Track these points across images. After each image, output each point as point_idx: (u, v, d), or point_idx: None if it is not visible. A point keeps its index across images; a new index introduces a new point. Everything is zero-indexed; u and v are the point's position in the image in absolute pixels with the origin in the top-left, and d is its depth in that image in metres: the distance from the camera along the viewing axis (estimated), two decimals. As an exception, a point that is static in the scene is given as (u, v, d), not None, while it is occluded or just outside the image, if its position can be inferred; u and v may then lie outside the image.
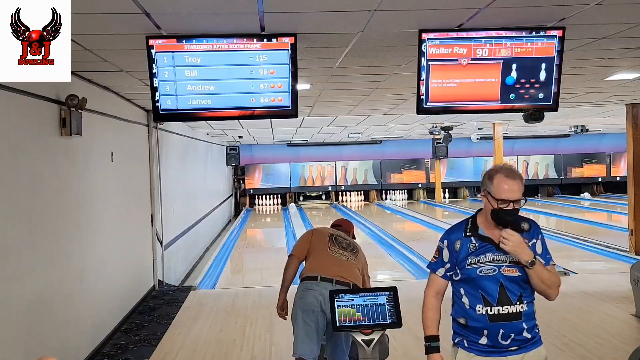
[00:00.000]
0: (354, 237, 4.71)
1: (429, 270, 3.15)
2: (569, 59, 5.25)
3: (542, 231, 3.07)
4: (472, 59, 4.39)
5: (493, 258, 2.89)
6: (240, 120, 8.94)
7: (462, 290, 2.97)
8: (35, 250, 4.52)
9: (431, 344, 3.00)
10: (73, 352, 5.30)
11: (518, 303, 2.87)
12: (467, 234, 2.97)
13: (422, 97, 4.51)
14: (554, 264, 2.98)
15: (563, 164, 25.67)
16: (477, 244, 2.92)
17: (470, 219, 3.03)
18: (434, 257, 3.11)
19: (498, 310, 2.85)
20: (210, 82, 4.36)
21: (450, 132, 16.18)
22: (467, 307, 2.92)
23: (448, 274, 3.03)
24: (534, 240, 2.96)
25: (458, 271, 2.97)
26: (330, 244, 4.33)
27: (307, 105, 8.74)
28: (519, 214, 2.96)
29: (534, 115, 4.88)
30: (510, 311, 2.85)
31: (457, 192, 26.44)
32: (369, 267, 4.63)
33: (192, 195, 12.81)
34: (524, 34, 4.35)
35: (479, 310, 2.88)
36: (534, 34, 4.34)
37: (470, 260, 2.92)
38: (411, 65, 5.37)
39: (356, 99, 8.59)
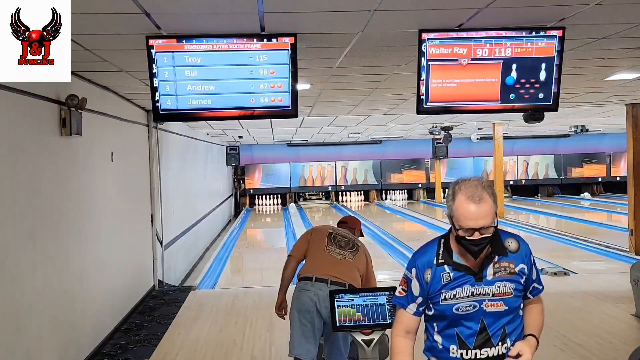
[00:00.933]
0: (361, 235, 4.66)
1: (395, 306, 2.62)
2: (569, 59, 5.25)
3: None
4: (472, 59, 4.39)
5: (472, 292, 2.40)
6: (240, 120, 8.95)
7: (435, 327, 2.50)
8: (35, 250, 4.52)
9: None
10: (73, 352, 5.30)
11: (501, 344, 2.42)
12: (440, 261, 2.45)
13: (422, 97, 4.51)
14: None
15: (563, 164, 25.67)
16: (451, 275, 2.41)
17: (442, 241, 2.50)
18: (401, 289, 2.56)
19: (475, 354, 2.41)
20: (210, 82, 4.36)
21: (450, 132, 16.18)
22: (440, 346, 2.48)
23: (420, 309, 2.51)
24: (522, 266, 2.46)
25: (431, 306, 2.48)
26: (327, 244, 4.30)
27: (307, 105, 8.74)
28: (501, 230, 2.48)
29: (534, 115, 4.89)
30: (491, 354, 2.41)
31: (457, 192, 26.39)
32: None
33: (192, 195, 12.81)
34: (524, 34, 4.35)
35: (453, 353, 2.44)
36: (534, 34, 4.34)
37: (444, 294, 2.42)
38: (411, 65, 5.37)
39: (356, 99, 8.59)
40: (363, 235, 4.71)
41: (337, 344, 4.15)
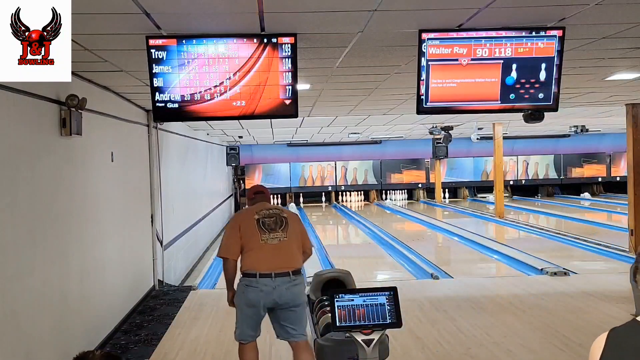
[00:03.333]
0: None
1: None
2: (569, 59, 5.25)
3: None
4: (472, 59, 4.39)
5: None
6: (240, 120, 8.94)
7: None
8: (35, 250, 4.52)
9: None
10: (73, 352, 5.28)
11: None
12: None
13: (422, 97, 4.51)
14: None
15: (563, 164, 25.67)
16: None
17: None
18: None
19: None
20: (211, 82, 4.35)
21: (450, 132, 16.18)
22: None
23: None
24: None
25: None
26: (260, 233, 4.43)
27: (307, 105, 8.74)
28: None
29: (534, 115, 4.89)
30: None
31: (457, 192, 26.44)
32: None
33: (192, 195, 12.81)
34: (524, 34, 4.35)
35: None
36: (534, 34, 4.34)
37: None
38: (411, 65, 5.37)
39: (356, 99, 8.59)
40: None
41: (297, 320, 4.49)
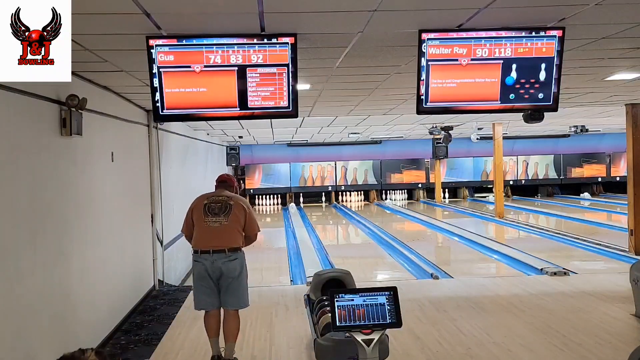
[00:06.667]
0: (237, 191, 5.50)
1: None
2: (569, 59, 5.25)
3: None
4: (472, 59, 4.39)
5: None
6: (240, 121, 8.95)
7: None
8: (35, 250, 4.52)
9: None
10: (73, 352, 5.29)
11: None
12: None
13: (422, 97, 4.51)
14: None
15: (563, 164, 25.68)
16: None
17: None
18: None
19: None
20: (211, 82, 4.35)
21: (450, 132, 16.17)
22: None
23: None
24: None
25: None
26: (204, 216, 5.20)
27: (307, 105, 8.74)
28: None
29: (534, 115, 4.89)
30: None
31: (457, 192, 26.46)
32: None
33: (193, 195, 12.77)
34: (523, 34, 4.35)
35: None
36: (534, 34, 4.35)
37: None
38: (411, 65, 5.37)
39: (356, 99, 8.59)
40: (238, 191, 5.53)
41: (230, 291, 5.21)
